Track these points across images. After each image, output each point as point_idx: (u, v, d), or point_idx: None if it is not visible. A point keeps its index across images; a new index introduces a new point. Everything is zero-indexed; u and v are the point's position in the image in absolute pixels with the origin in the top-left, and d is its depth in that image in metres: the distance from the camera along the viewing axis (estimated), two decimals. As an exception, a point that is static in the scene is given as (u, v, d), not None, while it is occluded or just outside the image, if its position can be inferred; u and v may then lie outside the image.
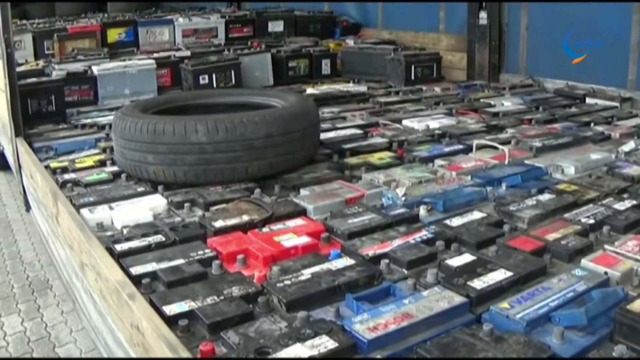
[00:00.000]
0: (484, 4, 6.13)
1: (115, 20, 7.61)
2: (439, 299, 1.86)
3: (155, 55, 5.91)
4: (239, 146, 2.93)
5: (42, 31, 7.03)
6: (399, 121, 4.35)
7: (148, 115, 3.15)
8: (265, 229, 2.43)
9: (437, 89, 5.68)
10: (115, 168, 3.34)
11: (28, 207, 4.11)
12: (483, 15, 6.20)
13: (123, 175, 3.19)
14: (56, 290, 4.23)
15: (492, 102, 5.04)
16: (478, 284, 1.96)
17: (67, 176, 3.23)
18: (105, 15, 9.72)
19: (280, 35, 7.51)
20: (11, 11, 9.72)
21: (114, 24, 7.17)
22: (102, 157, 3.59)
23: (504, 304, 1.83)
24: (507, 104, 5.02)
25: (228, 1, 10.62)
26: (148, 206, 2.70)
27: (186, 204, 2.75)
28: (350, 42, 6.94)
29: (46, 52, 6.80)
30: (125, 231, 2.44)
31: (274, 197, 2.85)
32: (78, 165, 3.42)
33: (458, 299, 1.87)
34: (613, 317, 1.74)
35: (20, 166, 4.02)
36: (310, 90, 5.41)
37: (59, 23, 8.01)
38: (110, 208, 2.69)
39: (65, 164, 3.46)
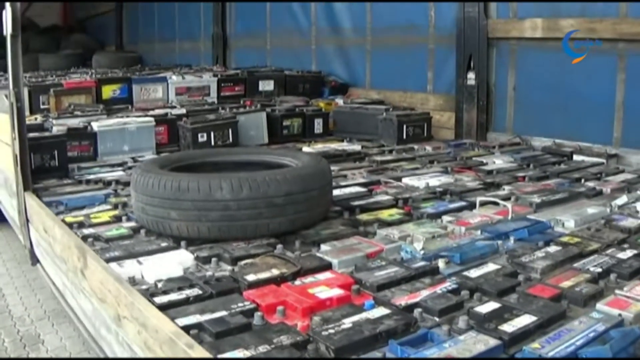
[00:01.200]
0: (472, 65, 6.33)
1: (110, 77, 7.73)
2: (476, 342, 2.01)
3: (152, 112, 6.02)
4: (261, 203, 3.04)
5: (38, 86, 7.12)
6: (399, 179, 4.51)
7: (171, 173, 3.26)
8: (297, 282, 2.53)
9: (429, 148, 5.87)
10: (132, 224, 3.43)
11: (34, 261, 4.13)
12: (471, 76, 6.43)
13: (142, 231, 3.27)
14: (48, 345, 4.26)
15: (484, 160, 5.23)
16: (508, 327, 2.11)
17: (85, 231, 3.30)
18: (93, 71, 9.85)
19: (271, 94, 7.71)
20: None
21: (109, 81, 7.30)
22: (116, 212, 3.67)
23: (535, 345, 1.99)
24: (499, 162, 5.20)
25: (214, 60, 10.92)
26: (176, 261, 2.78)
27: (213, 259, 2.84)
28: (339, 101, 7.14)
29: (42, 106, 6.89)
30: (159, 285, 2.51)
31: (297, 252, 2.95)
32: (94, 220, 3.49)
33: (493, 342, 2.01)
34: (633, 353, 1.96)
35: (27, 220, 4.04)
36: (306, 149, 5.53)
37: (51, 78, 8.12)
38: (139, 262, 2.77)
39: (81, 218, 3.52)
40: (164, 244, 3.07)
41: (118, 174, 4.81)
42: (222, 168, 3.76)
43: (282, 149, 4.99)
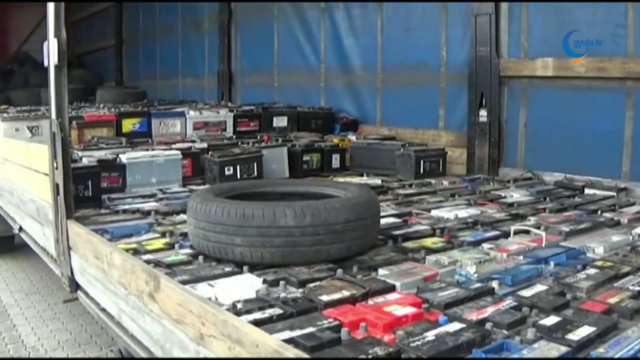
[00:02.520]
0: (484, 102, 6.60)
1: (130, 111, 7.92)
2: (549, 349, 2.25)
3: (176, 145, 6.20)
4: (322, 230, 3.23)
5: None
6: (429, 211, 4.73)
7: (234, 201, 3.43)
8: (370, 302, 2.72)
9: (446, 182, 6.09)
10: (188, 250, 3.60)
11: (76, 289, 4.25)
12: (483, 113, 6.68)
13: (200, 257, 3.43)
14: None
15: (502, 194, 5.44)
16: (573, 337, 2.34)
17: (144, 257, 3.45)
18: (102, 105, 10.02)
19: (284, 129, 7.92)
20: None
21: (129, 115, 7.49)
22: (167, 240, 3.84)
23: (601, 349, 2.27)
24: (516, 195, 5.41)
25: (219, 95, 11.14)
26: (247, 284, 2.95)
27: (281, 282, 3.01)
28: (352, 137, 7.34)
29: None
30: (239, 305, 2.66)
31: (359, 275, 3.14)
32: (148, 247, 3.65)
33: (563, 349, 2.25)
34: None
35: (70, 248, 4.16)
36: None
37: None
38: (210, 285, 2.92)
39: (134, 246, 3.69)
40: (227, 269, 3.23)
41: (152, 204, 4.96)
42: (270, 198, 3.94)
43: (328, 181, 5.18)
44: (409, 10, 7.59)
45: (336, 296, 2.78)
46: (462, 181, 6.17)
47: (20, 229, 6.04)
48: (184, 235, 3.90)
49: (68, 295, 6.64)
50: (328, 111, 8.49)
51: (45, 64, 4.38)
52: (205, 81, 12.12)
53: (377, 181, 5.96)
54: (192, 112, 7.61)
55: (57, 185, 4.29)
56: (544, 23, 6.23)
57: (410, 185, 5.92)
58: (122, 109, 7.98)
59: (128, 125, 7.27)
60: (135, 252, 3.58)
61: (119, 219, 4.48)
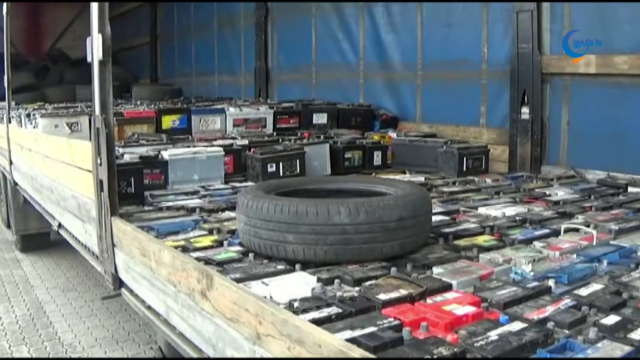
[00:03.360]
0: (526, 99, 6.56)
1: (170, 107, 7.98)
2: (613, 349, 2.23)
3: (217, 142, 6.23)
4: (377, 228, 3.22)
5: None
6: (475, 208, 4.69)
7: (286, 198, 3.44)
8: (429, 301, 2.70)
9: (489, 180, 6.03)
10: (237, 248, 3.61)
11: (119, 286, 4.26)
12: (525, 110, 6.62)
13: (251, 255, 3.43)
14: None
15: (547, 192, 5.38)
16: (635, 336, 2.32)
17: (193, 254, 3.45)
18: (138, 102, 10.09)
19: (324, 126, 7.93)
20: (31, 94, 10.02)
21: (169, 111, 7.55)
22: (216, 237, 3.85)
23: None
24: (561, 193, 5.36)
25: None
26: (301, 282, 2.95)
27: (336, 280, 2.99)
28: (393, 134, 7.31)
29: (102, 134, 7.10)
30: (295, 304, 2.65)
31: (414, 274, 3.11)
32: (197, 245, 3.66)
33: (627, 348, 2.23)
34: None
35: (114, 245, 4.17)
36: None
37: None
38: (264, 284, 2.91)
39: (182, 243, 3.70)
40: (280, 267, 3.23)
41: (196, 201, 4.96)
42: (320, 195, 3.94)
43: (376, 178, 5.15)
44: (450, 7, 7.53)
45: (394, 295, 2.76)
46: (505, 179, 6.11)
47: (60, 225, 6.08)
48: (232, 232, 3.92)
49: (106, 293, 6.73)
50: (367, 108, 8.45)
51: (89, 59, 4.37)
52: (241, 78, 12.16)
53: (420, 179, 5.93)
54: (232, 109, 7.63)
55: (101, 182, 4.29)
56: (587, 20, 6.15)
57: (454, 183, 5.89)
58: (161, 106, 8.01)
59: (168, 121, 7.31)
60: (184, 249, 3.59)
61: (163, 215, 4.50)
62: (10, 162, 8.53)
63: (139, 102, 10.01)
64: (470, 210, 4.62)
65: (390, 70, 8.49)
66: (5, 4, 8.79)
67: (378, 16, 8.58)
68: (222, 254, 3.46)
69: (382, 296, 2.74)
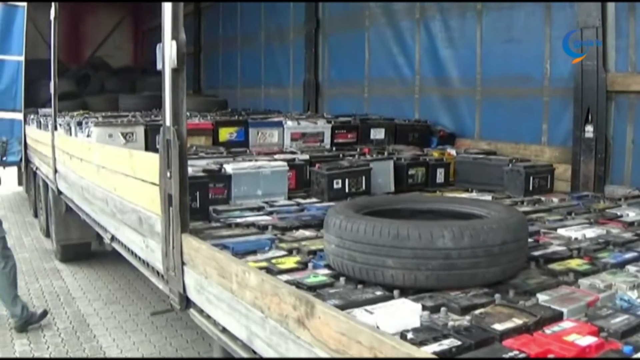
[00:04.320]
0: (589, 117, 6.33)
1: (228, 119, 7.86)
2: None
3: (279, 157, 6.06)
4: (480, 252, 3.01)
5: (155, 125, 7.22)
6: (554, 230, 4.47)
7: (385, 220, 3.22)
8: (547, 331, 2.50)
9: (555, 200, 5.81)
10: (325, 270, 3.39)
11: (187, 306, 4.07)
12: (589, 128, 6.38)
13: (341, 279, 3.22)
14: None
15: (618, 213, 5.15)
16: None
17: (280, 277, 3.24)
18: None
19: (382, 142, 7.74)
20: (72, 102, 9.94)
21: (226, 123, 7.42)
22: (298, 258, 3.65)
23: None
24: (632, 213, 5.12)
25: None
26: (408, 310, 2.72)
27: (442, 308, 2.79)
28: (452, 151, 7.10)
29: (157, 145, 6.95)
30: (409, 335, 2.45)
31: (522, 301, 2.91)
32: (280, 267, 3.45)
33: None
34: None
35: (183, 263, 3.98)
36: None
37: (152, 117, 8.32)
38: (368, 312, 2.69)
39: (264, 264, 3.49)
40: (378, 293, 3.02)
41: (264, 218, 4.76)
42: (404, 215, 3.74)
43: (468, 199, 4.95)
44: (510, 22, 7.33)
45: (509, 325, 2.56)
46: (570, 198, 5.91)
47: (113, 238, 5.93)
48: (313, 253, 3.74)
49: (149, 307, 6.54)
50: (424, 124, 8.24)
51: (158, 67, 4.19)
52: (289, 91, 12.00)
53: (487, 197, 5.69)
54: (289, 123, 7.46)
55: (170, 196, 4.09)
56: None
57: (522, 202, 5.66)
58: (217, 118, 7.88)
59: (225, 134, 7.18)
60: (268, 271, 3.38)
61: (235, 233, 4.29)
62: (55, 171, 8.43)
63: (188, 114, 9.90)
64: (549, 232, 4.41)
65: (447, 86, 8.28)
66: (53, 8, 8.67)
67: (435, 30, 8.39)
68: (311, 278, 3.25)
69: (498, 326, 2.54)
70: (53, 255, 10.30)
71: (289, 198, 5.54)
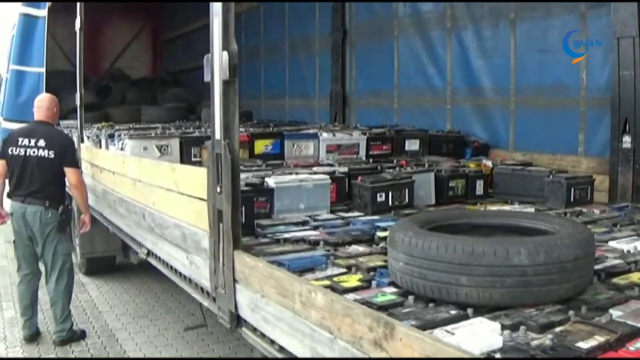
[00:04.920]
0: (627, 128, 6.28)
1: (263, 131, 7.86)
2: None
3: (321, 169, 6.03)
4: (554, 268, 2.97)
5: (190, 137, 7.24)
6: (605, 242, 4.42)
7: (458, 236, 3.20)
8: (631, 348, 2.49)
9: (597, 211, 5.74)
10: (390, 289, 3.34)
11: (237, 325, 4.01)
12: (627, 139, 6.32)
13: (410, 297, 3.17)
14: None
15: (664, 223, 5.08)
16: None
17: (347, 297, 3.18)
18: (197, 125, 10.00)
19: (416, 153, 7.70)
20: (93, 114, 9.92)
21: (262, 135, 7.38)
22: (360, 276, 3.59)
23: None
24: (674, 225, 5.06)
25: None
26: (487, 329, 2.68)
27: (521, 327, 2.74)
28: (488, 163, 7.04)
29: (193, 158, 6.94)
30: (497, 356, 2.43)
31: (597, 317, 2.87)
32: (345, 285, 3.39)
33: None
34: None
35: (235, 281, 3.92)
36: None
37: (189, 130, 8.35)
38: (448, 332, 2.65)
39: (326, 282, 3.43)
40: (453, 312, 2.97)
41: (311, 233, 4.69)
42: (464, 230, 3.70)
43: (531, 213, 4.93)
44: (545, 31, 7.27)
45: (592, 343, 2.53)
46: (611, 209, 5.85)
47: (149, 253, 5.89)
48: (372, 270, 3.68)
49: (178, 321, 6.46)
50: (458, 135, 8.22)
51: (206, 79, 4.15)
52: (315, 102, 11.97)
53: (530, 209, 5.63)
54: (325, 134, 7.42)
55: (220, 212, 4.04)
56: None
57: (564, 214, 5.58)
58: (251, 130, 7.84)
59: (261, 146, 7.14)
60: (332, 289, 3.31)
61: (286, 249, 4.22)
62: (82, 183, 8.39)
63: (208, 125, 9.88)
64: (600, 244, 4.32)
65: (480, 96, 8.24)
66: (78, 19, 8.65)
67: (467, 40, 8.36)
68: (380, 297, 3.19)
69: (582, 344, 2.51)
70: (77, 269, 10.24)
71: (331, 212, 5.46)
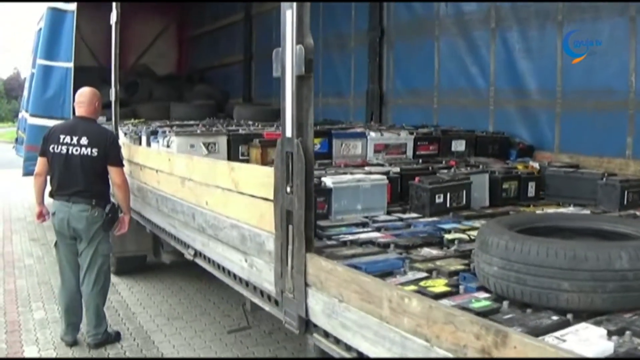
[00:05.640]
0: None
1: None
2: None
3: (374, 169, 6.01)
4: (653, 273, 2.95)
5: (238, 135, 7.23)
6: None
7: (562, 241, 3.19)
8: None
9: (651, 214, 5.68)
10: (481, 294, 3.31)
11: (304, 330, 3.95)
12: (675, 142, 6.25)
13: (504, 303, 3.14)
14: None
15: None
16: None
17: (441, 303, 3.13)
18: (230, 122, 10.07)
19: (462, 154, 7.69)
20: (122, 110, 9.92)
21: (310, 134, 7.26)
22: (445, 280, 3.55)
23: None
24: None
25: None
26: (595, 335, 2.66)
27: (627, 332, 2.73)
28: (534, 164, 7.02)
29: (240, 157, 6.90)
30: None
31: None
32: (433, 290, 3.35)
33: None
34: None
35: (307, 285, 3.86)
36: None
37: (234, 127, 8.37)
38: (559, 339, 2.63)
39: (413, 287, 3.40)
40: (554, 317, 2.94)
41: (375, 234, 4.64)
42: (552, 234, 3.65)
43: (614, 217, 4.90)
44: (593, 33, 7.23)
45: None
46: (664, 211, 5.78)
47: (197, 254, 5.83)
48: (454, 274, 3.64)
49: (214, 322, 6.40)
50: (503, 136, 8.20)
51: (275, 74, 4.07)
52: (350, 100, 11.93)
53: (586, 212, 5.61)
54: (372, 134, 7.38)
55: (289, 213, 3.95)
56: None
57: (620, 217, 5.53)
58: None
59: (309, 145, 7.05)
60: (422, 294, 3.24)
61: (358, 252, 4.15)
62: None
63: (242, 122, 9.94)
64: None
65: (524, 97, 8.22)
66: (114, 12, 8.59)
67: (512, 41, 8.32)
68: (474, 303, 3.14)
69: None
70: (108, 269, 10.24)
71: (387, 213, 5.42)
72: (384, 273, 3.70)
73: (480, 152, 7.80)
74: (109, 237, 6.95)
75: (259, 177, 4.49)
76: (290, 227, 3.96)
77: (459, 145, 7.80)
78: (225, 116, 12.71)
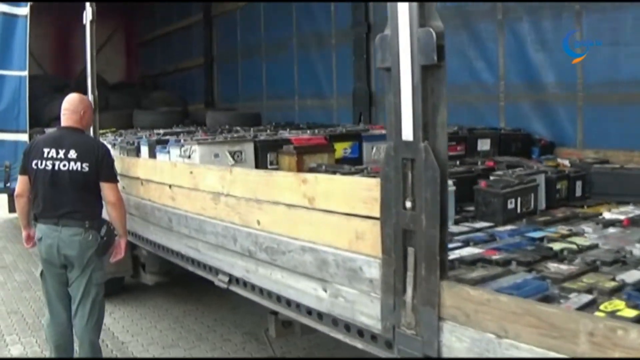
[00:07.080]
0: None
1: (341, 133, 7.38)
2: None
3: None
4: None
5: (265, 142, 6.69)
6: None
7: None
8: None
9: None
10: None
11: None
12: None
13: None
14: None
15: None
16: None
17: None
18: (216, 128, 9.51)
19: (487, 153, 7.33)
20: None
21: (340, 138, 6.92)
22: (624, 302, 3.09)
23: None
24: None
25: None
26: None
27: None
28: (564, 162, 6.72)
29: (269, 165, 6.35)
30: None
31: None
32: (624, 315, 2.91)
33: None
34: None
35: (441, 319, 3.26)
36: (609, 216, 5.03)
37: (259, 134, 7.74)
38: None
39: (599, 314, 2.96)
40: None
41: (473, 250, 4.13)
42: None
43: None
44: (615, 22, 6.96)
45: None
46: None
47: (230, 281, 5.22)
48: (614, 291, 3.25)
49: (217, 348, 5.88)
50: (525, 133, 7.89)
51: (379, 65, 3.41)
52: (333, 101, 11.45)
53: (640, 212, 5.27)
54: (403, 136, 6.92)
55: (408, 233, 3.32)
56: None
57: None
58: (325, 132, 7.33)
59: (340, 150, 6.68)
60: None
61: (480, 274, 3.58)
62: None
63: (222, 129, 9.45)
64: None
65: (540, 92, 7.92)
66: (89, 10, 7.89)
67: (523, 32, 7.99)
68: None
69: None
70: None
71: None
72: (540, 299, 3.17)
73: (504, 151, 7.45)
74: (103, 264, 6.16)
75: (352, 191, 3.89)
76: (409, 249, 3.35)
77: (484, 145, 7.43)
78: (191, 122, 12.15)
